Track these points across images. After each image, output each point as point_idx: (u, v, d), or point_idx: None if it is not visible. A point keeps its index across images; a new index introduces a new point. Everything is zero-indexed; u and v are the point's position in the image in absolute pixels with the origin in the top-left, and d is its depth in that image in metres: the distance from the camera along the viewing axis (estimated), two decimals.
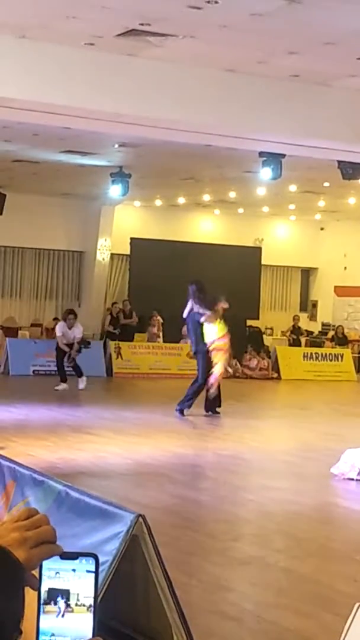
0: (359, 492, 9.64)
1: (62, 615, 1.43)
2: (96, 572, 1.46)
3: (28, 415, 14.06)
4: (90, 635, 1.43)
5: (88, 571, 1.45)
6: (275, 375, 22.72)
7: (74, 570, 1.45)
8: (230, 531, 7.82)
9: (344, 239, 27.11)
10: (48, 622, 1.43)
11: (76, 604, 1.44)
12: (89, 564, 1.45)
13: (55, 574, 1.45)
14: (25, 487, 4.67)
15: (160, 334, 23.44)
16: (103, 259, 24.74)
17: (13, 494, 4.72)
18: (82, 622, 1.43)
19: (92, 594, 1.44)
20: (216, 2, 7.80)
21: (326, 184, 19.48)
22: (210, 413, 14.93)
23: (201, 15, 8.16)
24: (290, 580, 6.49)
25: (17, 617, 1.40)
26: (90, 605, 1.44)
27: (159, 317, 23.45)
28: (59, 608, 1.43)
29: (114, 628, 3.86)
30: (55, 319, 24.30)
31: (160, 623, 3.86)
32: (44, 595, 1.44)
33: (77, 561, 1.46)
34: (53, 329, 23.82)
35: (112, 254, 25.00)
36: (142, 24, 8.59)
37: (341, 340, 25.32)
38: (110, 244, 24.66)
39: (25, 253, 24.67)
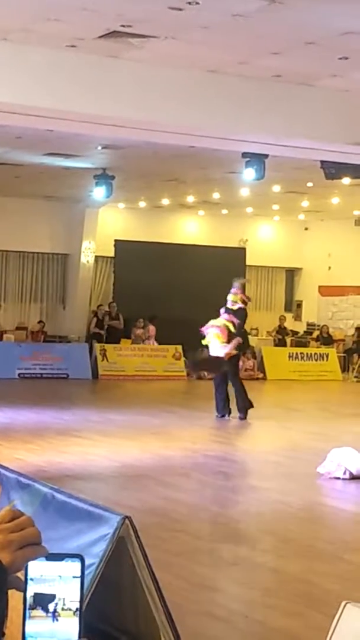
0: (345, 491, 9.66)
1: (56, 620, 1.43)
2: (82, 574, 1.45)
3: (14, 418, 14.03)
4: (76, 638, 1.43)
5: (74, 577, 1.45)
6: (261, 375, 22.75)
7: (60, 576, 1.45)
8: (218, 532, 7.82)
9: (328, 238, 27.16)
10: (34, 626, 1.43)
11: (62, 609, 1.44)
12: (75, 569, 1.45)
13: (40, 575, 1.44)
14: (11, 491, 4.65)
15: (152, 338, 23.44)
16: (87, 262, 24.71)
17: None
18: (69, 626, 1.44)
19: (78, 598, 1.44)
20: (197, 3, 7.80)
21: (310, 184, 19.52)
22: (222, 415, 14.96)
23: (182, 16, 8.16)
24: (278, 580, 6.50)
25: (0, 617, 1.40)
26: (76, 609, 1.44)
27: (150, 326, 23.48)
28: (50, 613, 1.43)
29: (101, 630, 3.85)
30: (40, 322, 24.27)
31: (148, 625, 3.85)
32: (29, 600, 1.44)
33: (63, 563, 1.45)
34: (38, 332, 23.82)
35: (96, 257, 24.97)
36: (123, 26, 8.59)
37: (326, 339, 25.38)
38: (94, 246, 24.63)
39: (9, 256, 24.61)
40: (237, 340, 14.80)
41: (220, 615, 5.64)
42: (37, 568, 1.45)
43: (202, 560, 6.86)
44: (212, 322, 14.82)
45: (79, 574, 1.45)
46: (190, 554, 7.02)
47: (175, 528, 7.76)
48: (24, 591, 1.44)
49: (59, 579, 1.44)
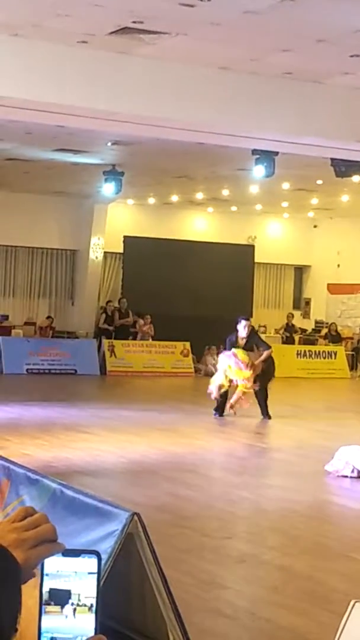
0: (352, 489, 9.65)
1: (71, 616, 1.43)
2: (98, 570, 1.46)
3: (22, 414, 14.04)
4: (92, 634, 1.43)
5: (90, 573, 1.45)
6: None
7: (75, 572, 1.45)
8: (225, 529, 7.82)
9: (337, 236, 27.12)
10: (49, 622, 1.44)
11: (78, 604, 1.44)
12: (90, 565, 1.45)
13: (56, 571, 1.45)
14: (20, 486, 4.66)
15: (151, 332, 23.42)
16: (96, 258, 24.72)
17: (7, 492, 4.71)
18: (84, 622, 1.44)
19: (93, 594, 1.44)
20: (209, 0, 7.79)
21: (319, 182, 19.49)
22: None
23: (194, 12, 8.14)
24: (285, 578, 6.49)
25: (14, 614, 1.40)
26: (91, 605, 1.44)
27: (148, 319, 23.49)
28: (64, 609, 1.44)
29: (110, 626, 3.85)
30: (49, 317, 24.28)
31: (156, 621, 3.86)
32: (45, 595, 1.44)
33: (79, 559, 1.46)
34: (47, 327, 23.83)
35: (105, 252, 24.98)
36: (134, 22, 8.58)
37: (334, 337, 25.34)
38: (103, 242, 24.64)
39: (18, 252, 24.64)
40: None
41: (227, 612, 5.64)
42: (53, 564, 1.45)
43: (210, 558, 6.87)
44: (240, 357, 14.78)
45: (94, 570, 1.45)
46: (197, 550, 7.03)
47: (183, 525, 7.76)
48: (40, 589, 1.44)
49: (74, 575, 1.45)
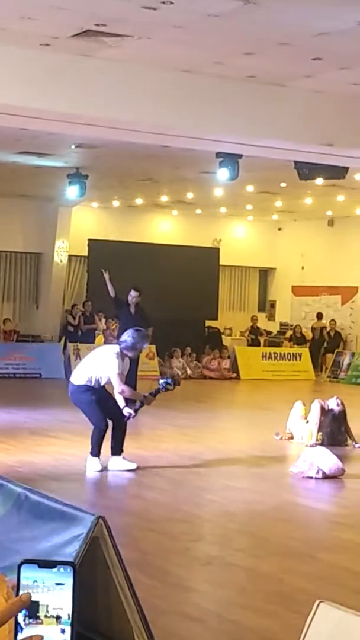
0: (318, 490, 9.69)
1: (39, 627, 1.42)
2: (74, 581, 1.44)
3: None
4: None
5: (57, 584, 1.44)
6: (234, 375, 22.77)
7: (44, 583, 1.44)
8: (191, 531, 7.82)
9: (301, 239, 27.26)
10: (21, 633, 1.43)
11: (45, 616, 1.43)
12: (59, 577, 1.44)
13: (27, 583, 1.43)
14: None
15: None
16: (61, 261, 24.64)
17: None
18: (52, 633, 1.43)
19: (61, 605, 1.43)
20: (171, 3, 7.79)
21: (283, 185, 19.57)
22: None
23: (156, 15, 8.14)
24: (252, 580, 6.51)
25: None
26: (58, 617, 1.43)
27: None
28: (33, 619, 1.43)
29: (75, 630, 3.83)
30: (6, 320, 23.91)
31: (122, 625, 3.84)
32: None
33: (54, 570, 1.44)
34: (10, 331, 23.64)
35: (69, 256, 24.90)
36: (97, 25, 8.56)
37: (299, 339, 25.46)
38: (67, 245, 24.57)
39: None
40: None
41: (194, 615, 5.64)
42: (27, 575, 1.44)
43: (176, 560, 6.86)
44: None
45: (62, 581, 1.45)
46: (164, 553, 7.02)
47: (149, 528, 7.75)
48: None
49: (43, 586, 1.44)
